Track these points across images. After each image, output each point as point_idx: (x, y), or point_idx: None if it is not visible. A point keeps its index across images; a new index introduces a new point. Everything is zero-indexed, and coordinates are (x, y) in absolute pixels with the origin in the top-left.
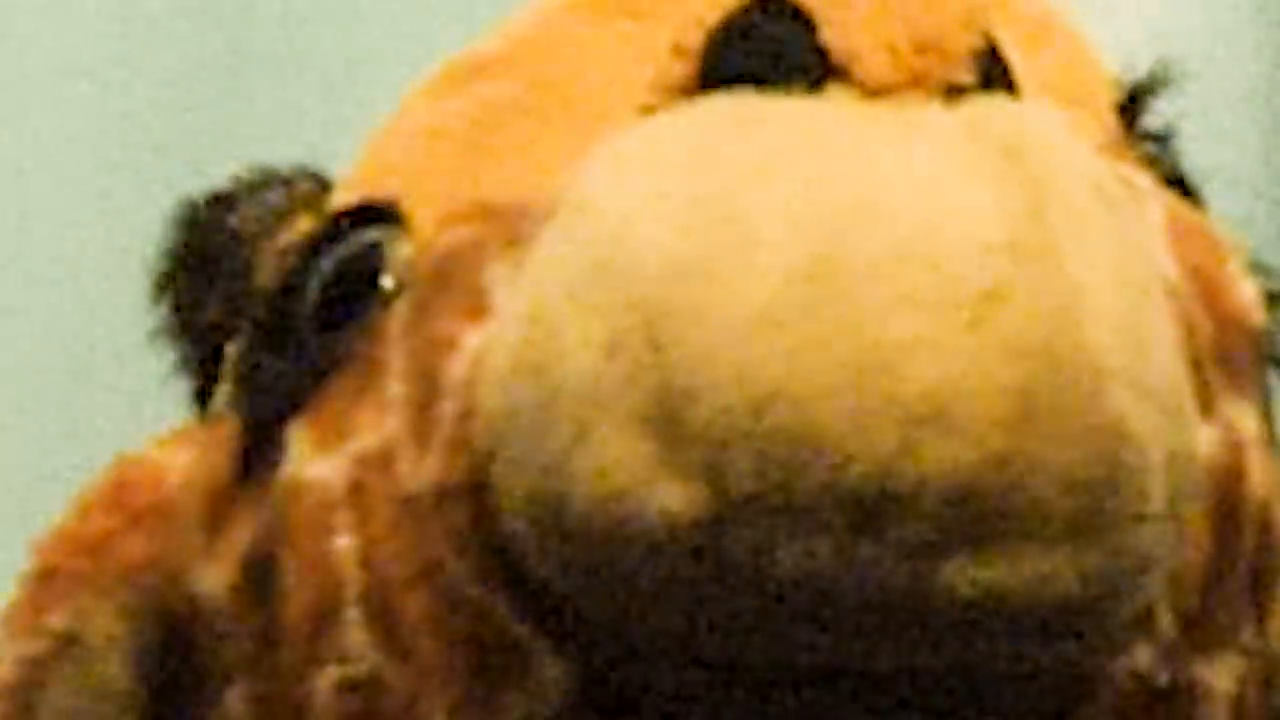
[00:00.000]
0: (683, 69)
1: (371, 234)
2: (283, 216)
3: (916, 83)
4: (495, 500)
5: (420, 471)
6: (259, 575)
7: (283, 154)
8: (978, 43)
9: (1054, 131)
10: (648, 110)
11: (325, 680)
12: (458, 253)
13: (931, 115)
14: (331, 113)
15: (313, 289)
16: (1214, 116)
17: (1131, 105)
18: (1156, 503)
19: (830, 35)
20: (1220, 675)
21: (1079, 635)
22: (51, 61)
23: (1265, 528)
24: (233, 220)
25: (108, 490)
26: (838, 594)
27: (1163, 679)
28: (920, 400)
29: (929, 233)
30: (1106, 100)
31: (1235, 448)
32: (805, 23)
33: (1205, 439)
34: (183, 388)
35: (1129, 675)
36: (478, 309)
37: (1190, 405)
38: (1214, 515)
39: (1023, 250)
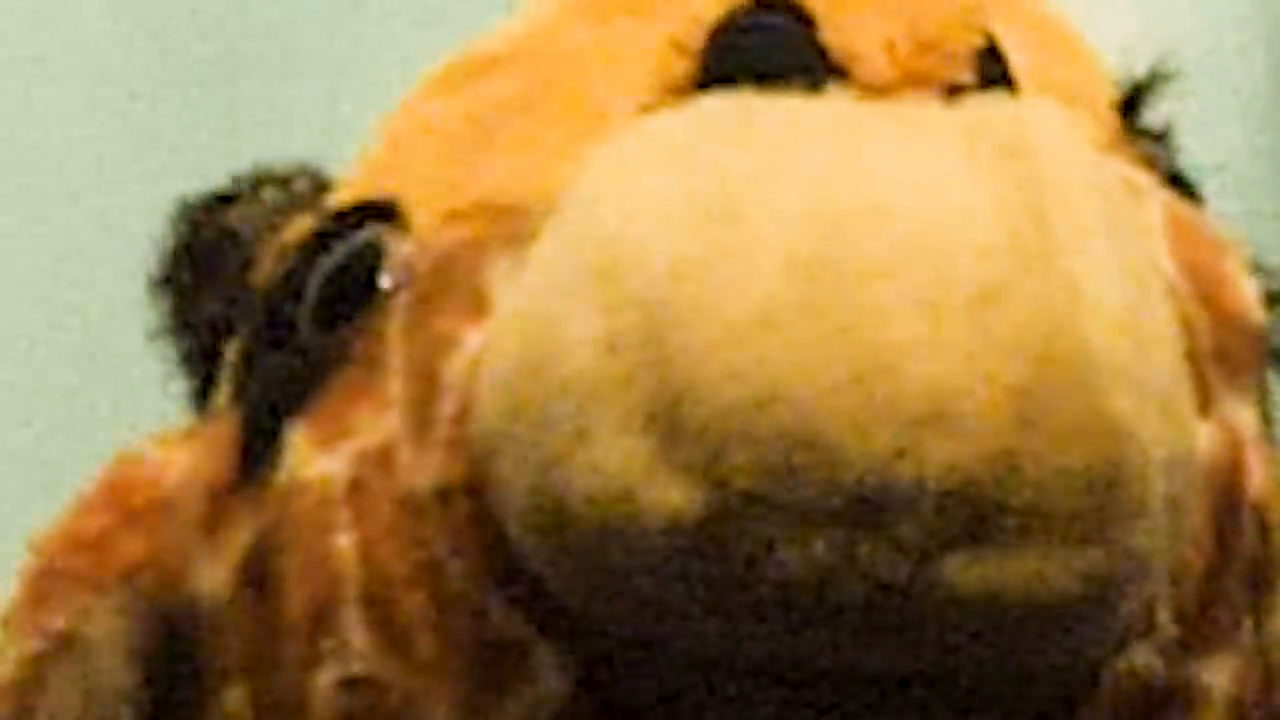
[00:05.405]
0: (683, 67)
1: (371, 233)
2: (282, 215)
3: (916, 82)
4: (495, 499)
5: (420, 470)
6: (258, 574)
7: (282, 153)
8: (977, 42)
9: (1054, 130)
10: (648, 109)
11: (324, 678)
12: (457, 251)
13: (931, 114)
14: (330, 112)
15: (312, 288)
16: (1213, 115)
17: (1131, 103)
18: (1156, 502)
19: (830, 34)
20: (1219, 675)
21: (1078, 634)
22: (51, 62)
23: (1264, 527)
24: (232, 219)
25: (107, 489)
26: (837, 593)
27: (1161, 678)
28: (919, 400)
29: (929, 232)
30: (1106, 98)
31: (1234, 447)
32: (805, 21)
33: (1204, 438)
34: (182, 386)
35: (1128, 674)
36: (477, 307)
37: (1189, 405)
38: (1213, 514)
39: (1022, 250)
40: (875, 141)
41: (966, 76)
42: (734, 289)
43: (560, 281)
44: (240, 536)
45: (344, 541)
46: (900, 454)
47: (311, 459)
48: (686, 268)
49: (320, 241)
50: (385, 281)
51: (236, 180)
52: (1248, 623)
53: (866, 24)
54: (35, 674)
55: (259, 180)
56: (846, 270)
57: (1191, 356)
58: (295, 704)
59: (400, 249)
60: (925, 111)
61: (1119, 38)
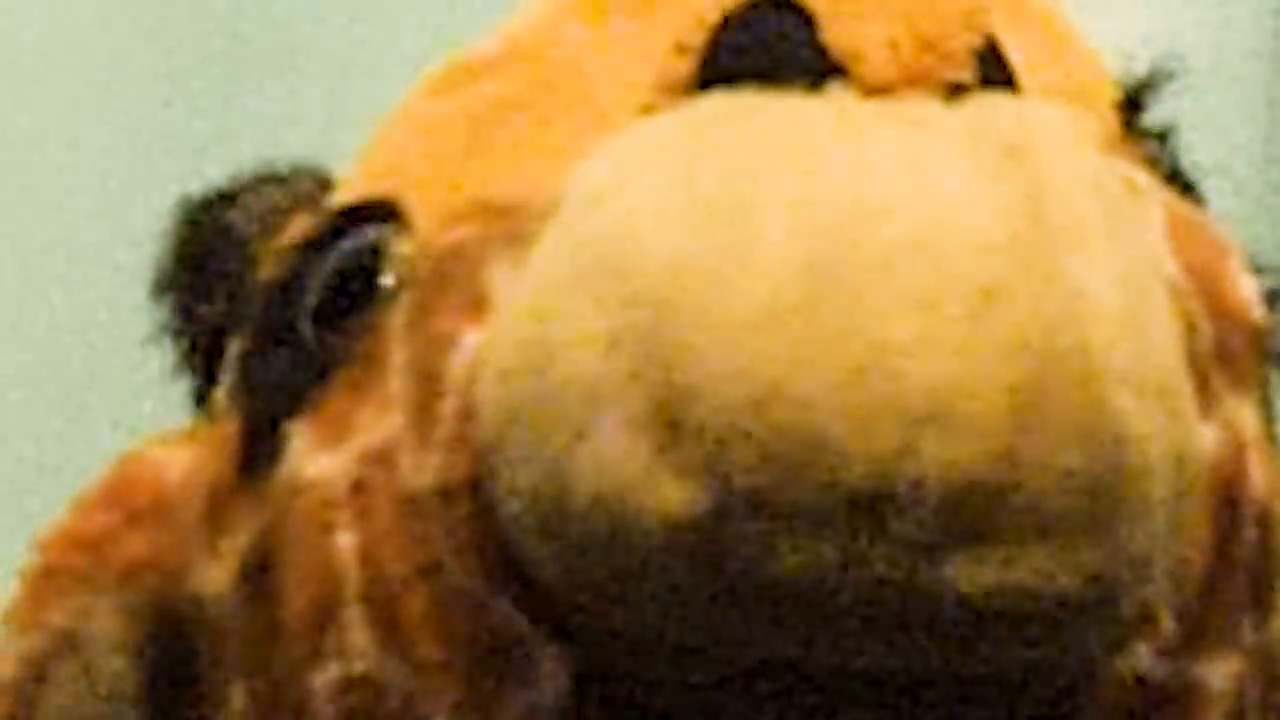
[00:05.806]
0: (684, 67)
1: (372, 232)
2: (283, 214)
3: (917, 81)
4: (496, 498)
5: (421, 470)
6: (259, 573)
7: (283, 152)
8: (979, 41)
9: (1055, 130)
10: (649, 108)
11: (325, 678)
12: (458, 251)
13: (932, 114)
14: (331, 111)
15: (313, 287)
16: (1214, 114)
17: (1131, 103)
18: (1156, 502)
19: (831, 33)
20: (1219, 675)
21: (1079, 634)
22: (51, 61)
23: (1265, 527)
24: (233, 218)
25: (108, 488)
26: (838, 592)
27: (1162, 678)
28: (920, 399)
29: (930, 231)
30: (1107, 98)
31: (1236, 447)
32: (806, 20)
33: (1206, 438)
34: (183, 386)
35: (1129, 674)
36: (478, 307)
37: (1191, 404)
38: (1214, 514)
39: (1023, 249)
40: (876, 141)
41: (968, 76)
42: (735, 288)
43: (561, 280)
44: (241, 536)
45: (345, 541)
46: (901, 453)
47: (312, 458)
48: (687, 267)
49: (321, 241)
50: (386, 281)
51: (237, 180)
52: (1248, 623)
53: (867, 23)
54: (36, 673)
55: (259, 180)
56: (847, 269)
57: (1193, 356)
58: (296, 704)
59: (401, 249)
60: (926, 111)
61: (1119, 38)
